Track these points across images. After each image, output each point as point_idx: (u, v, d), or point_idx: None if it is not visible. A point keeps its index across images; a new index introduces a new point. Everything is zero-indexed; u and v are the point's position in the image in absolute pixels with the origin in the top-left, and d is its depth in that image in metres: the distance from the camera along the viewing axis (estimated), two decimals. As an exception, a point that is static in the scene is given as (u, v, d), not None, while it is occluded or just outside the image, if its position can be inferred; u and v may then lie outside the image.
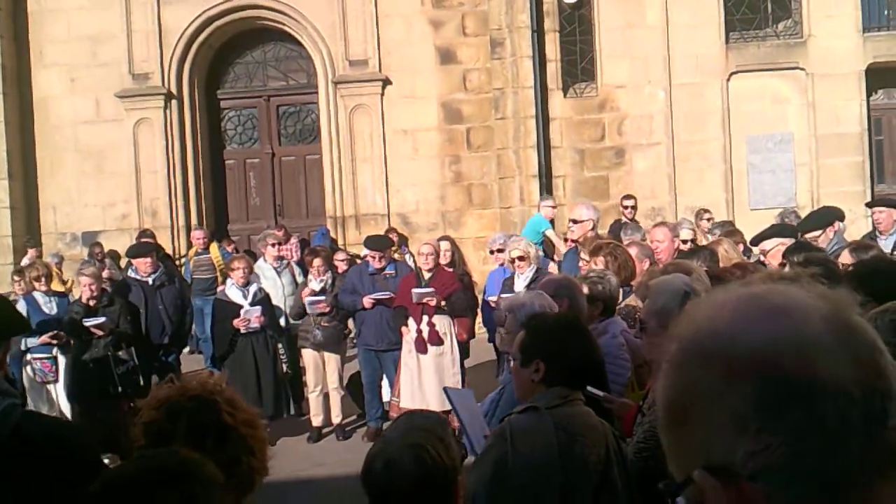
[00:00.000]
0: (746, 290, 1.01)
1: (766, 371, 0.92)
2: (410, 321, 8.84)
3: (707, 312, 1.00)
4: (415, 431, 2.45)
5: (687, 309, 1.04)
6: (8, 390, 2.55)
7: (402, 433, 2.45)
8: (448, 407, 4.90)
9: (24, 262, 12.65)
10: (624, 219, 12.76)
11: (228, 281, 9.48)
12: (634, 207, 13.07)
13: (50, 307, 8.93)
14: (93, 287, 8.63)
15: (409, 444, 2.38)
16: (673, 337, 1.02)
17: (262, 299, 9.33)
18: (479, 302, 9.71)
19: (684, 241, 8.83)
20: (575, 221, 8.76)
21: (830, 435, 0.90)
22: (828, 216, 7.76)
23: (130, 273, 9.61)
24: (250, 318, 8.99)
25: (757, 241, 7.21)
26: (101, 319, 8.41)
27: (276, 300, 10.12)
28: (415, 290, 8.75)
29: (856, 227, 11.92)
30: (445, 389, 4.82)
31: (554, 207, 12.60)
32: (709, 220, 11.83)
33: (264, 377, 9.01)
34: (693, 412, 0.96)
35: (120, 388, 8.30)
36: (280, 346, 9.41)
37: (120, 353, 8.43)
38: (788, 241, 6.41)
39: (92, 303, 8.59)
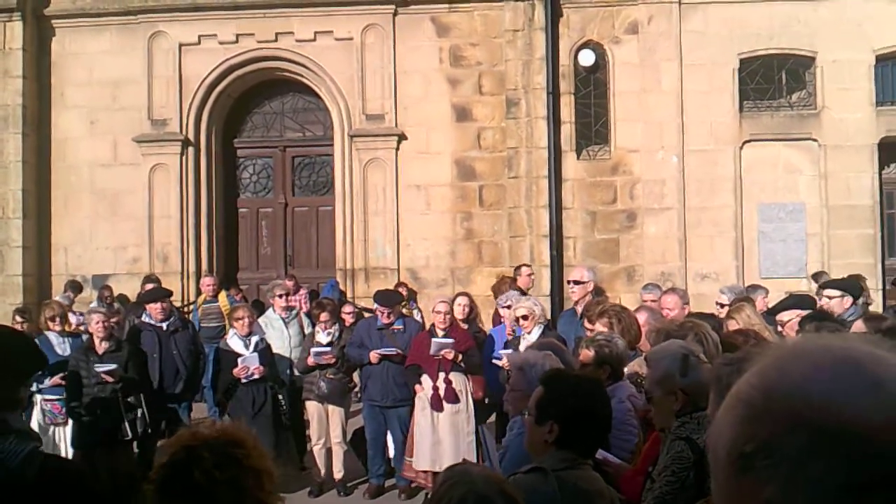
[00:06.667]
0: (846, 354, 0.96)
1: (858, 449, 0.90)
2: (425, 378, 8.74)
3: (802, 371, 0.95)
4: (492, 476, 2.53)
5: (776, 355, 0.99)
6: (31, 433, 2.55)
7: (484, 476, 2.51)
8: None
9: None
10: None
11: (231, 330, 9.49)
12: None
13: (63, 348, 8.91)
14: (105, 327, 8.61)
15: (497, 485, 2.44)
16: (754, 382, 0.98)
17: (263, 350, 9.34)
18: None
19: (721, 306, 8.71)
20: (577, 282, 8.74)
21: None
22: (850, 286, 7.73)
23: (144, 318, 9.59)
24: (249, 366, 8.97)
25: (775, 311, 7.19)
26: (113, 366, 8.38)
27: (283, 350, 10.10)
28: (435, 340, 8.67)
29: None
30: (482, 429, 4.80)
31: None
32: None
33: (263, 427, 8.93)
34: (764, 469, 0.94)
35: (129, 435, 8.26)
36: (280, 396, 9.37)
37: (129, 399, 8.40)
38: (806, 313, 6.39)
39: (103, 346, 8.56)
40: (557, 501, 3.27)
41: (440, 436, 8.63)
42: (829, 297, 7.45)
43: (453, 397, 8.67)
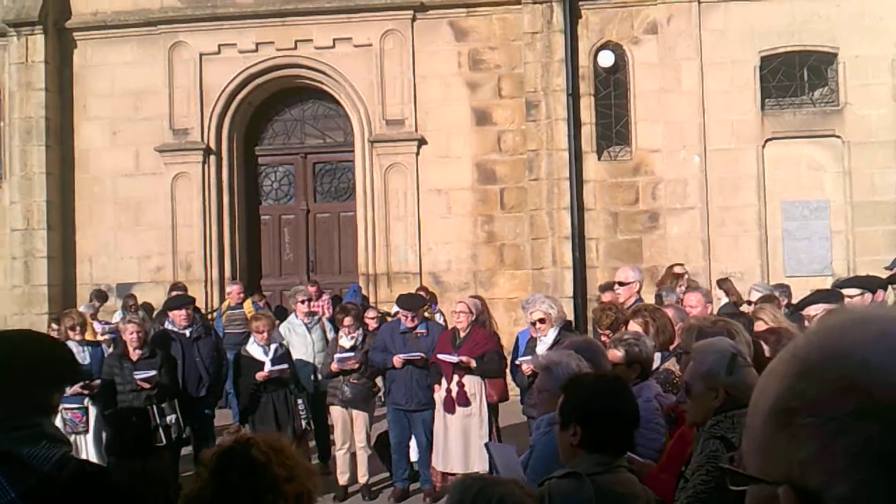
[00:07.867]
0: None
1: None
2: (443, 380, 8.76)
3: (864, 335, 0.92)
4: (518, 481, 2.60)
5: (841, 318, 0.97)
6: (62, 438, 2.55)
7: (505, 478, 2.59)
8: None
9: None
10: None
11: (250, 338, 9.54)
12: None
13: (83, 357, 8.96)
14: (139, 337, 8.69)
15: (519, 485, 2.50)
16: (813, 340, 0.96)
17: (283, 355, 9.41)
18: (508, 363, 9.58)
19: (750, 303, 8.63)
20: (621, 283, 8.53)
21: None
22: (868, 282, 7.67)
23: (168, 325, 9.65)
24: (274, 373, 9.09)
25: (801, 306, 7.14)
26: (152, 373, 8.45)
27: (307, 356, 10.13)
28: (439, 356, 8.67)
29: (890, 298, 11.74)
30: (487, 445, 4.74)
31: None
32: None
33: (283, 432, 8.96)
34: (805, 427, 0.91)
35: (164, 441, 8.31)
36: (300, 402, 9.41)
37: (163, 405, 8.46)
38: (833, 308, 6.34)
39: (136, 354, 8.63)
40: (592, 505, 3.24)
41: (450, 438, 8.64)
42: (850, 297, 7.39)
43: (465, 401, 8.66)
